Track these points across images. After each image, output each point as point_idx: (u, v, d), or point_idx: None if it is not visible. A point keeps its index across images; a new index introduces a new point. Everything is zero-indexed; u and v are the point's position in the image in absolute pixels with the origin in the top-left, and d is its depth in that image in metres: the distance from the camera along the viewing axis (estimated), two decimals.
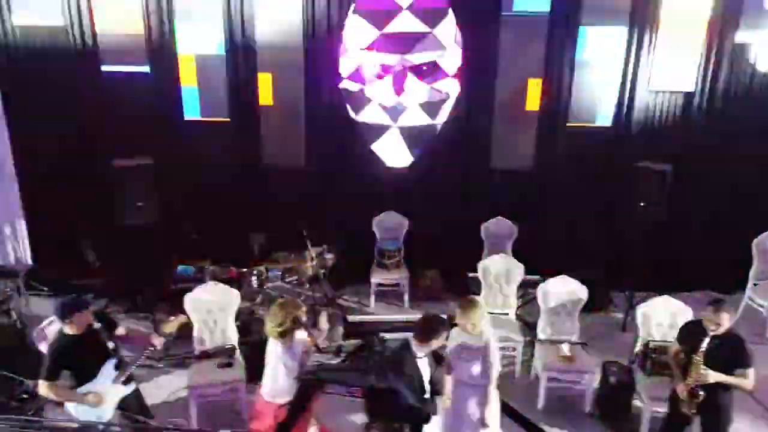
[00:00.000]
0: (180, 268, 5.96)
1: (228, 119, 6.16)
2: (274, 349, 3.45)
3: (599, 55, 5.96)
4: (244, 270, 5.50)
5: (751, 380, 3.42)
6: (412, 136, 6.08)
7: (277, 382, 3.44)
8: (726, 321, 3.40)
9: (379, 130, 6.04)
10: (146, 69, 5.93)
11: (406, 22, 5.61)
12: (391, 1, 5.59)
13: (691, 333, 3.57)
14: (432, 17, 5.61)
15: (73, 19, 5.75)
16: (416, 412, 3.23)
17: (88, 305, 3.40)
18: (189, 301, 4.43)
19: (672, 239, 6.03)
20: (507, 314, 5.23)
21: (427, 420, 3.38)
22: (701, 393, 3.45)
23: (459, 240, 6.35)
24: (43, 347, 3.90)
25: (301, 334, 3.41)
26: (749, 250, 5.80)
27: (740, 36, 5.70)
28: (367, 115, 6.02)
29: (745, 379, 3.41)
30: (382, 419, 3.05)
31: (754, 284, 5.76)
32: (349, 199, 6.40)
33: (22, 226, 6.43)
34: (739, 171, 5.98)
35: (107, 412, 3.48)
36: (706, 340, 3.39)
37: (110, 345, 3.49)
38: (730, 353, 3.43)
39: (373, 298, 6.21)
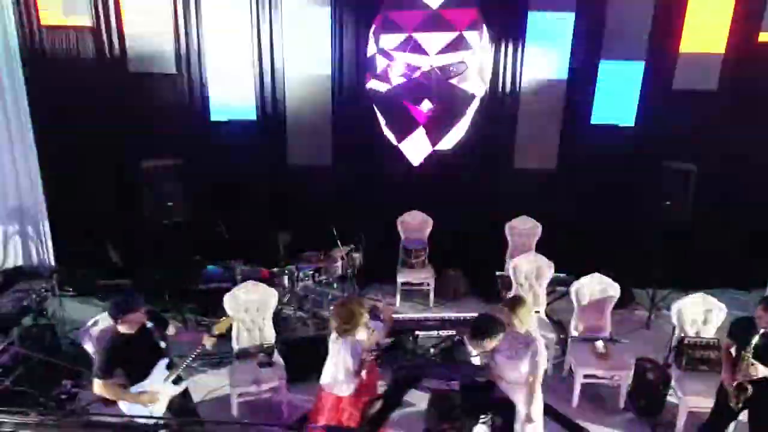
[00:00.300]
0: (208, 268, 5.99)
1: (254, 119, 6.19)
2: (336, 345, 3.49)
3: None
4: (275, 269, 5.50)
5: None
6: (438, 135, 6.15)
7: (338, 377, 3.48)
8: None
9: (406, 130, 6.10)
10: (174, 71, 5.94)
11: (435, 24, 5.67)
12: (421, 2, 5.65)
13: (742, 328, 3.63)
14: (461, 19, 5.67)
15: (101, 21, 5.75)
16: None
17: (141, 304, 3.41)
18: (228, 300, 4.44)
19: (694, 237, 6.08)
20: (538, 312, 5.27)
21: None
22: (749, 387, 3.51)
23: (482, 239, 6.40)
24: (89, 347, 3.91)
25: (362, 332, 3.45)
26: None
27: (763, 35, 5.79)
28: (394, 115, 6.09)
29: None
30: (473, 413, 3.08)
31: None
32: (374, 199, 6.44)
33: (45, 228, 6.40)
34: (761, 169, 6.07)
35: (158, 411, 3.49)
36: (757, 336, 3.45)
37: (162, 344, 3.50)
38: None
39: (398, 296, 6.24)
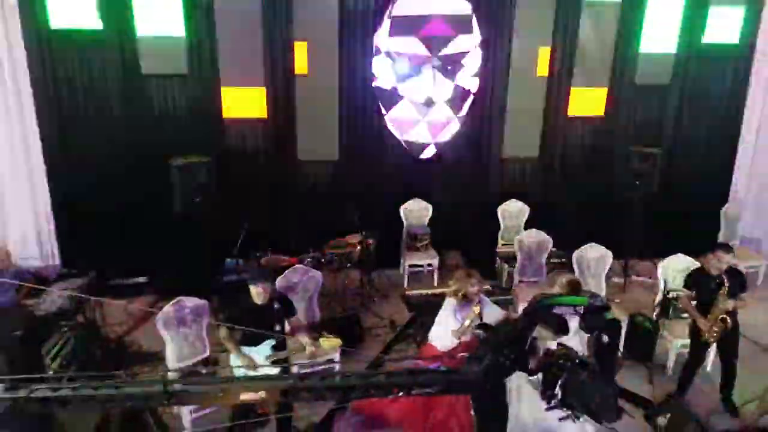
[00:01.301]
0: (228, 261, 6.25)
1: (265, 117, 6.51)
2: (450, 306, 4.11)
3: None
4: (302, 256, 5.87)
5: (746, 299, 4.54)
6: (438, 129, 6.75)
7: (439, 332, 4.10)
8: (726, 262, 4.45)
9: (409, 124, 6.65)
10: (185, 71, 6.15)
11: (436, 27, 6.26)
12: (424, 7, 6.22)
13: (696, 278, 4.66)
14: (459, 23, 6.30)
15: (112, 23, 5.86)
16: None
17: (272, 281, 3.88)
18: (280, 282, 4.81)
19: (659, 210, 7.02)
20: (538, 281, 6.01)
21: None
22: (728, 318, 4.41)
23: (477, 222, 7.07)
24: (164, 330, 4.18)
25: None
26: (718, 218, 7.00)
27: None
28: (398, 111, 6.62)
29: (744, 300, 4.51)
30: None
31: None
32: (377, 189, 6.92)
33: (51, 228, 6.38)
34: (709, 153, 7.14)
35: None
36: (726, 280, 4.38)
37: (278, 327, 3.91)
38: (737, 283, 4.49)
39: (406, 278, 6.78)
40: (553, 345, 2.98)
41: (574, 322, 3.18)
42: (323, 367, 4.77)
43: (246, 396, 2.49)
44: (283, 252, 6.07)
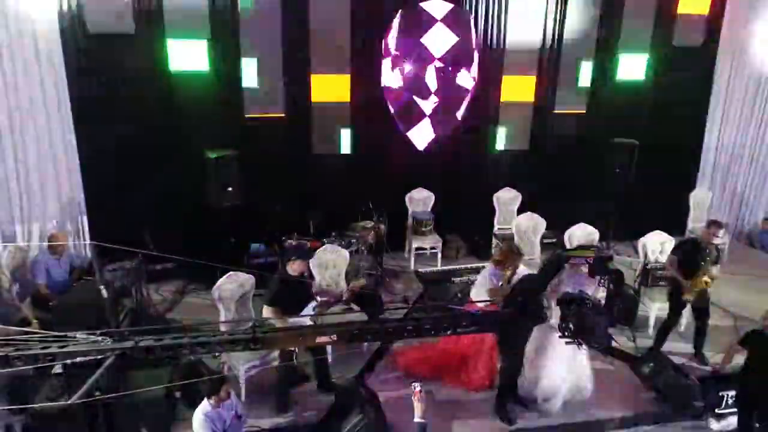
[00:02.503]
0: (253, 246, 6.83)
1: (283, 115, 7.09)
2: (488, 270, 4.91)
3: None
4: (324, 240, 6.49)
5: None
6: (440, 124, 7.44)
7: (479, 290, 4.83)
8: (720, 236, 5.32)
9: (414, 120, 7.33)
10: (208, 70, 6.68)
11: (440, 31, 6.94)
12: (429, 14, 6.90)
13: (684, 245, 5.50)
14: (460, 27, 7.00)
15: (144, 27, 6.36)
16: None
17: (308, 258, 4.45)
18: (315, 258, 5.44)
19: (636, 195, 7.83)
20: (534, 258, 6.76)
21: None
22: (710, 282, 5.25)
23: (474, 208, 7.79)
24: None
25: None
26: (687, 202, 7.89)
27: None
28: (404, 108, 7.29)
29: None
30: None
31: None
32: (385, 179, 7.56)
33: (84, 220, 6.83)
34: (679, 144, 8.01)
35: None
36: (712, 250, 5.22)
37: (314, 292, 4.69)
38: (717, 255, 5.34)
39: (413, 260, 7.46)
40: (570, 289, 3.74)
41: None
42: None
43: (321, 339, 3.12)
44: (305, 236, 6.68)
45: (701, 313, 5.49)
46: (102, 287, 3.06)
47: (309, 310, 4.55)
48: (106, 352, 2.31)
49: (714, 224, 5.35)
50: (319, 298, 4.76)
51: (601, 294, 3.68)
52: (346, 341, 3.12)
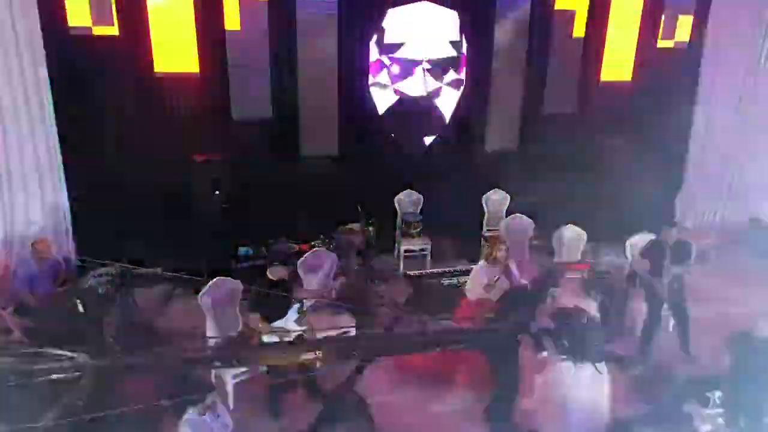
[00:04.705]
0: (241, 249, 6.77)
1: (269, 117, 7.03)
2: (480, 267, 4.94)
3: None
4: (312, 243, 6.45)
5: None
6: (430, 125, 7.44)
7: (476, 288, 4.82)
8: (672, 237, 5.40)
9: (403, 120, 7.32)
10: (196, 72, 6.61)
11: (428, 31, 6.94)
12: (417, 15, 6.89)
13: (649, 248, 5.59)
14: (448, 27, 7.00)
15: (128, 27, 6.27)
16: None
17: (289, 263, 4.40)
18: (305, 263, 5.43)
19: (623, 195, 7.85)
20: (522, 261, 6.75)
21: None
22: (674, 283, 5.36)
23: (463, 210, 7.76)
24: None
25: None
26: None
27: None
28: (392, 109, 7.28)
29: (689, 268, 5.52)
30: None
31: None
32: (373, 181, 7.52)
33: (68, 224, 6.73)
34: (665, 144, 8.06)
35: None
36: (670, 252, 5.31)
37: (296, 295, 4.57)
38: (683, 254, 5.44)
39: (401, 262, 7.43)
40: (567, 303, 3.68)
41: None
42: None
43: (305, 356, 3.03)
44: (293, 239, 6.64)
45: (676, 311, 5.59)
46: (78, 301, 2.97)
47: (293, 313, 4.51)
48: (82, 368, 2.25)
49: (667, 225, 5.53)
50: (305, 302, 4.71)
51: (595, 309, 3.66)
52: (333, 358, 3.07)
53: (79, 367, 2.23)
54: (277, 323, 4.42)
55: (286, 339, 4.34)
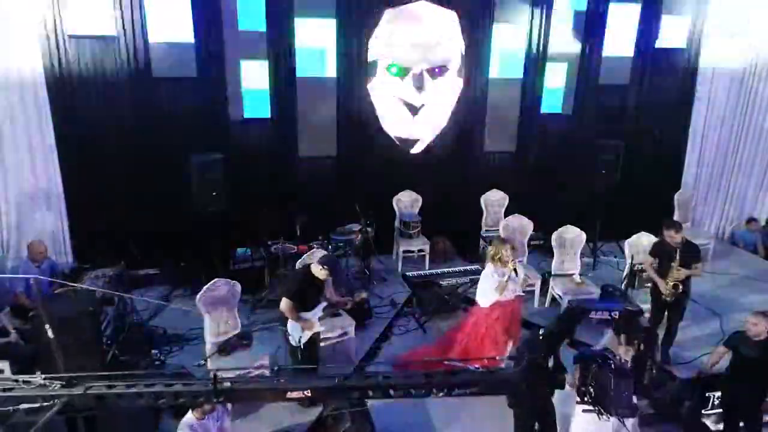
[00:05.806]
0: (238, 250, 6.74)
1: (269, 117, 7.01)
2: (490, 268, 4.84)
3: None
4: (311, 243, 6.42)
5: (701, 268, 5.38)
6: (427, 127, 7.42)
7: (487, 291, 4.81)
8: (681, 236, 5.24)
9: (400, 122, 7.30)
10: (194, 75, 6.58)
11: (426, 33, 6.92)
12: (415, 15, 6.87)
13: (660, 247, 5.44)
14: (447, 29, 6.98)
15: (126, 29, 6.23)
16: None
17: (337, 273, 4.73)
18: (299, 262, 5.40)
19: (621, 196, 7.86)
20: (522, 260, 6.75)
21: None
22: (680, 285, 5.22)
23: (462, 210, 7.76)
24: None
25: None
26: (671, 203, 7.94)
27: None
28: (391, 111, 7.26)
29: (698, 269, 5.32)
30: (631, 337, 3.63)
31: None
32: (371, 181, 7.51)
33: (65, 226, 6.69)
34: (663, 145, 8.06)
35: (306, 337, 4.49)
36: (678, 252, 5.18)
37: (328, 294, 4.77)
38: (690, 255, 5.28)
39: (400, 262, 7.42)
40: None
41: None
42: (338, 339, 5.36)
43: (292, 394, 2.85)
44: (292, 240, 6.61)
45: (672, 316, 5.50)
46: (47, 326, 2.82)
47: (319, 311, 4.63)
48: (52, 398, 2.19)
49: (670, 225, 5.32)
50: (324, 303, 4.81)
51: (627, 353, 3.30)
52: (321, 397, 2.90)
53: (48, 398, 2.17)
54: (305, 314, 4.52)
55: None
